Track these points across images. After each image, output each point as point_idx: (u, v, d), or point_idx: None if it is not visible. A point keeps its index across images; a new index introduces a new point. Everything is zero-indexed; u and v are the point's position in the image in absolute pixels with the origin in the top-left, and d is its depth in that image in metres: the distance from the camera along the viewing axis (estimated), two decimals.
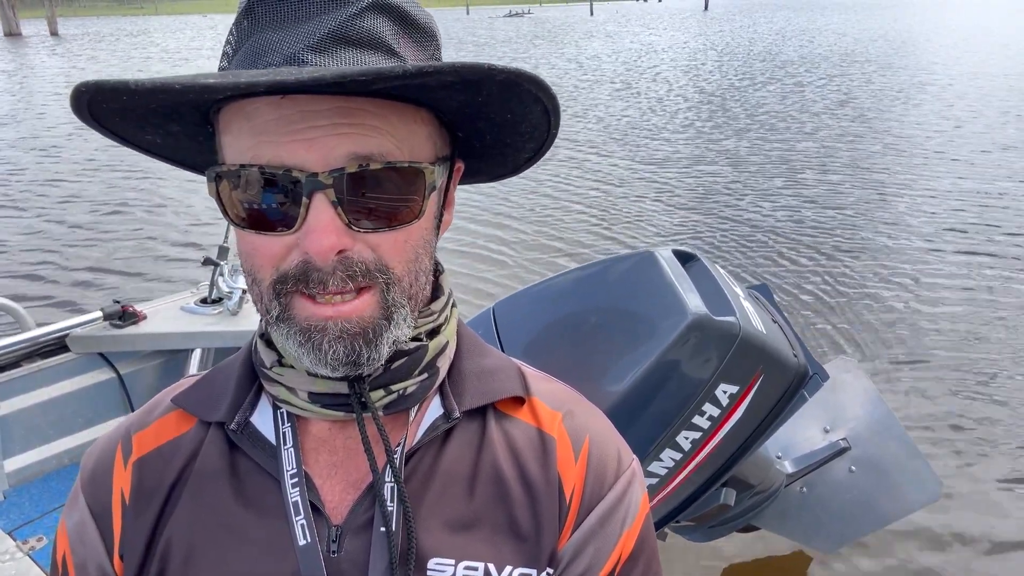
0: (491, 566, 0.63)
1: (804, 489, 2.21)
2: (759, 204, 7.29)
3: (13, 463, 2.65)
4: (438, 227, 0.66)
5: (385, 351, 0.60)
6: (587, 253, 6.14)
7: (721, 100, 13.78)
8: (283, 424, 0.66)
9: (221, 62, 0.61)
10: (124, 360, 2.84)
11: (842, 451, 2.17)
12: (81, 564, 0.67)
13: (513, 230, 6.77)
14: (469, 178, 0.73)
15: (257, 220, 0.57)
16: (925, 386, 4.01)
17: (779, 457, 2.13)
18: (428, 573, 0.62)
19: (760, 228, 6.59)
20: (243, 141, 0.56)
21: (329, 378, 0.62)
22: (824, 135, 10.43)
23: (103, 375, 2.80)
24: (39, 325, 2.75)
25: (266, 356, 0.66)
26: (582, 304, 1.51)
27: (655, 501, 1.50)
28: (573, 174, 8.77)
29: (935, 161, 8.83)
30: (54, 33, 47.89)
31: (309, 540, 0.61)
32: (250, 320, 2.70)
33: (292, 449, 0.65)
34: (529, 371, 0.75)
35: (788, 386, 1.50)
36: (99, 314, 2.69)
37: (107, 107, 0.56)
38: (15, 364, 2.64)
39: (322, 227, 0.54)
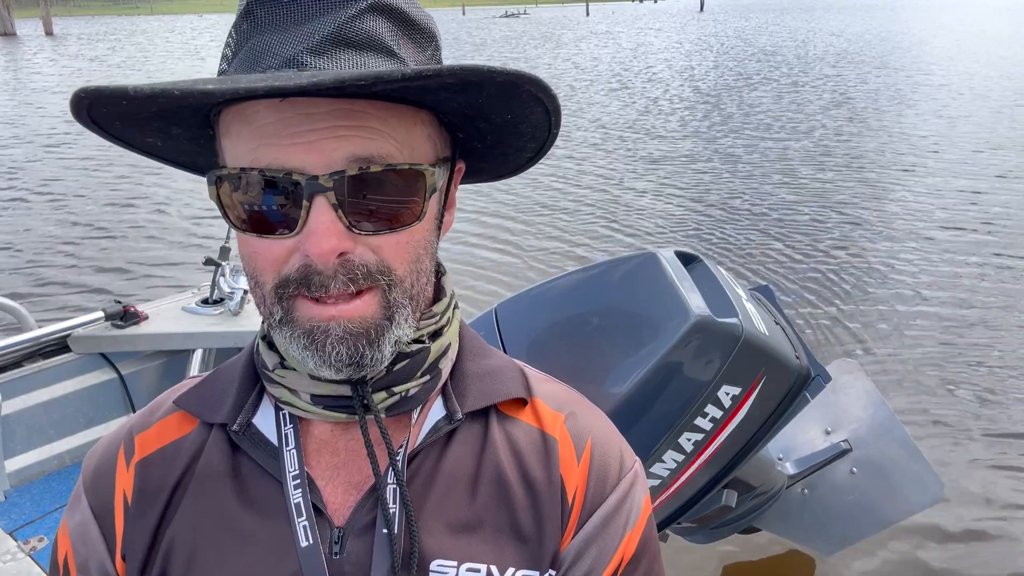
0: (493, 568, 0.63)
1: (805, 491, 2.21)
2: (758, 203, 7.30)
3: (14, 463, 2.65)
4: (439, 228, 0.66)
5: (388, 352, 0.60)
6: (586, 250, 6.15)
7: (718, 99, 13.79)
8: (285, 426, 0.66)
9: (221, 64, 0.61)
10: (125, 360, 2.84)
11: (844, 453, 2.17)
12: (83, 565, 0.67)
13: (511, 230, 6.77)
14: (471, 177, 0.73)
15: (258, 223, 0.57)
16: (927, 385, 4.00)
17: (781, 459, 2.12)
18: (430, 575, 0.62)
19: (759, 227, 6.60)
20: (243, 144, 0.56)
21: (332, 381, 0.62)
22: (820, 134, 10.48)
23: (104, 375, 2.81)
24: (41, 325, 2.76)
25: (268, 358, 0.66)
26: (584, 305, 1.51)
27: (657, 503, 1.50)
28: (572, 173, 8.78)
29: (931, 159, 8.88)
30: (49, 33, 47.84)
31: (311, 542, 0.61)
32: (252, 321, 2.70)
33: (294, 451, 0.65)
34: (531, 372, 0.75)
35: (790, 388, 1.50)
36: (101, 314, 2.70)
37: (107, 111, 0.55)
38: (17, 364, 2.64)
39: (323, 229, 0.54)
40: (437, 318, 0.68)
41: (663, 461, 1.43)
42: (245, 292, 2.75)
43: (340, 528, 0.63)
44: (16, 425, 2.64)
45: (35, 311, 3.71)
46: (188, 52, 31.77)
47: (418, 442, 0.65)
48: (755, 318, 1.46)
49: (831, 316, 4.85)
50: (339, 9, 0.56)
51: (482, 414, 0.69)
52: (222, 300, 2.81)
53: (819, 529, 2.21)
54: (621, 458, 0.71)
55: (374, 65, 0.56)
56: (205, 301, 2.83)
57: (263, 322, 0.64)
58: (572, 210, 7.37)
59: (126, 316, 2.69)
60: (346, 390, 0.63)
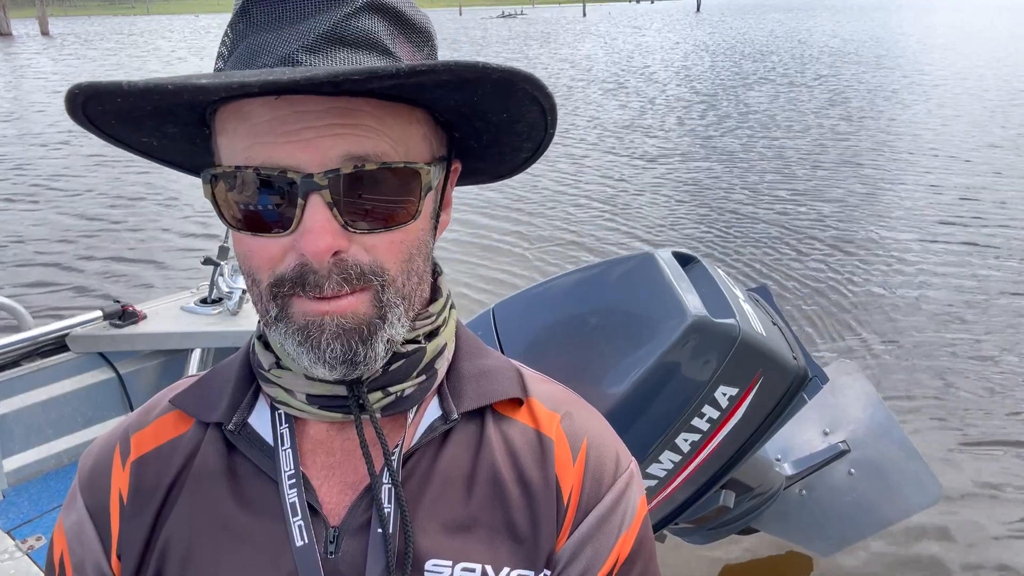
0: (488, 568, 0.62)
1: (803, 491, 2.21)
2: (756, 202, 7.30)
3: (12, 462, 2.65)
4: (435, 228, 0.66)
5: (381, 350, 0.60)
6: (584, 250, 6.15)
7: (715, 99, 13.80)
8: (281, 425, 0.66)
9: (216, 63, 0.61)
10: (124, 360, 2.84)
11: (842, 453, 2.17)
12: (79, 564, 0.67)
13: (509, 230, 6.77)
14: (468, 179, 0.73)
15: (253, 222, 0.57)
16: (925, 385, 4.00)
17: (778, 459, 2.12)
18: (425, 574, 0.61)
19: (756, 226, 6.60)
20: (238, 142, 0.56)
21: (327, 381, 0.62)
22: (816, 134, 10.51)
23: (103, 375, 2.80)
24: (39, 324, 2.76)
25: (264, 358, 0.66)
26: (582, 306, 1.51)
27: (654, 503, 1.50)
28: (569, 173, 8.78)
29: (927, 158, 8.90)
30: (45, 33, 47.73)
31: (306, 541, 0.61)
32: (250, 320, 2.70)
33: (290, 450, 0.65)
34: (528, 372, 0.75)
35: (788, 388, 1.50)
36: (99, 313, 2.69)
37: (102, 109, 0.55)
38: (15, 363, 2.64)
39: (318, 228, 0.54)
40: (433, 318, 0.68)
41: (660, 461, 1.43)
42: (244, 292, 2.75)
43: (335, 528, 0.63)
44: (14, 424, 2.64)
45: (33, 310, 3.71)
46: (191, 52, 31.73)
47: (414, 442, 0.65)
48: (752, 318, 1.46)
49: (829, 315, 4.85)
50: (335, 8, 0.56)
51: (478, 414, 0.69)
52: (221, 300, 2.81)
53: (817, 530, 2.21)
54: (617, 458, 0.71)
55: (369, 63, 0.56)
56: (204, 301, 2.83)
57: (259, 321, 0.64)
58: (570, 210, 7.37)
59: (124, 315, 2.69)
60: (342, 390, 0.63)
